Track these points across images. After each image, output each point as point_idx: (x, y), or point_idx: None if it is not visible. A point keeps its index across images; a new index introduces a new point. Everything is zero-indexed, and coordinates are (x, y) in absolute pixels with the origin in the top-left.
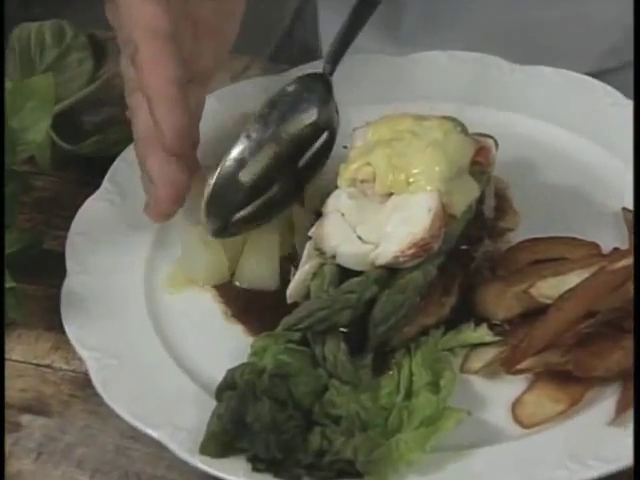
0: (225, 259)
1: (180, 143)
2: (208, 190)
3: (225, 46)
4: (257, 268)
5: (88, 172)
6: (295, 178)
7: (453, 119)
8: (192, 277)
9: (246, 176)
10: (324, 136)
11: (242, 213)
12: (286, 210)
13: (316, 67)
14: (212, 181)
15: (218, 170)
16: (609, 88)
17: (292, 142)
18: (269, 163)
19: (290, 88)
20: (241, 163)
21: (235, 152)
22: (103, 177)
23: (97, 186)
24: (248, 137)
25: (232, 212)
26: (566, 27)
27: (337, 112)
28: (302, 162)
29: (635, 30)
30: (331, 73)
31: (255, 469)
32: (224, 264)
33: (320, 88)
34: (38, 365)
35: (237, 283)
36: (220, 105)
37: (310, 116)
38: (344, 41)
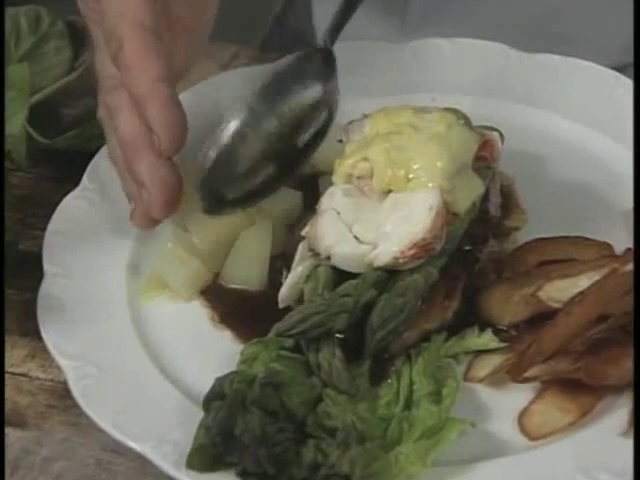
0: (205, 270)
1: (175, 144)
2: (207, 163)
3: (198, 44)
4: (245, 266)
5: (66, 168)
6: (291, 157)
7: (456, 111)
8: (173, 291)
9: (245, 151)
10: (323, 115)
11: (238, 191)
12: (277, 191)
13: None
14: (211, 153)
15: (216, 142)
16: (623, 78)
17: (293, 118)
18: (269, 138)
19: (294, 61)
20: (241, 136)
21: (235, 124)
22: (82, 174)
23: (76, 183)
24: (250, 109)
25: (228, 189)
26: (585, 17)
27: (338, 91)
28: (300, 141)
29: (635, 30)
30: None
31: None
32: (205, 275)
33: (323, 63)
34: (13, 374)
35: (223, 282)
36: (207, 96)
37: (314, 92)
38: (343, 15)
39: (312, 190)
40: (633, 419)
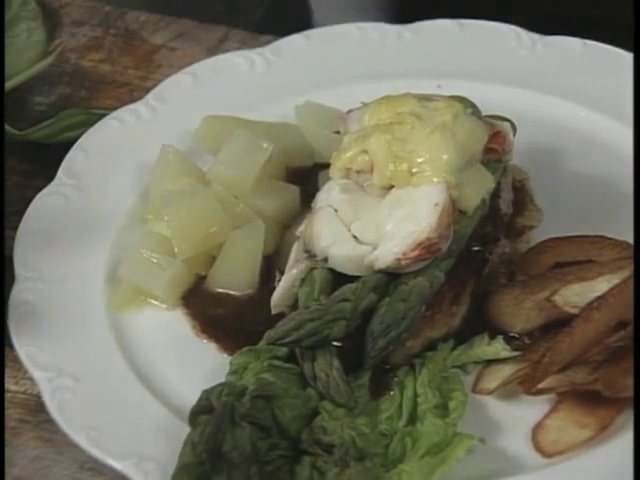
0: (187, 272)
1: None
2: None
3: None
4: (235, 268)
5: (38, 161)
6: None
7: (463, 99)
8: (151, 296)
9: None
10: None
11: None
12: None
13: (307, 37)
14: None
15: None
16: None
17: None
18: None
19: None
20: None
21: None
22: (56, 167)
23: (50, 178)
24: None
25: None
26: None
27: None
28: None
29: (635, 30)
30: None
31: None
32: (187, 277)
33: None
34: None
35: (208, 287)
36: (196, 81)
37: None
38: None
39: (311, 185)
40: (633, 418)
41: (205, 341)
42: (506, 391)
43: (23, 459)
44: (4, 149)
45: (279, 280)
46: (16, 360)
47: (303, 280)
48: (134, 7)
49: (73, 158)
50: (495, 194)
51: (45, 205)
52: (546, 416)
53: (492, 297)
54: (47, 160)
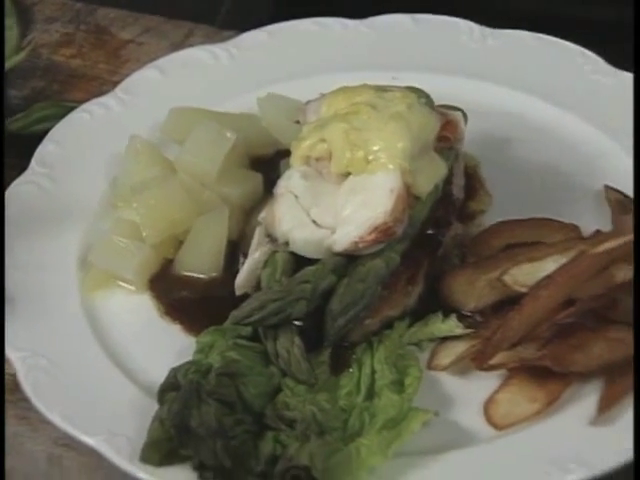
0: (155, 256)
1: None
2: None
3: None
4: (201, 252)
5: (13, 153)
6: None
7: (417, 90)
8: (121, 278)
9: None
10: None
11: None
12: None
13: (269, 32)
14: None
15: None
16: (591, 55)
17: None
18: None
19: None
20: None
21: None
22: (29, 158)
23: (23, 168)
24: None
25: None
26: None
27: None
28: None
29: (635, 31)
30: None
31: (202, 478)
32: (155, 261)
33: None
34: None
35: (175, 270)
36: (162, 75)
37: None
38: None
39: (273, 172)
40: (633, 419)
41: (170, 323)
42: (459, 367)
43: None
44: (3, 149)
45: (243, 263)
46: None
47: (265, 263)
48: (104, 4)
49: (45, 149)
50: (448, 180)
51: (19, 194)
52: (497, 390)
53: (446, 277)
54: (21, 151)
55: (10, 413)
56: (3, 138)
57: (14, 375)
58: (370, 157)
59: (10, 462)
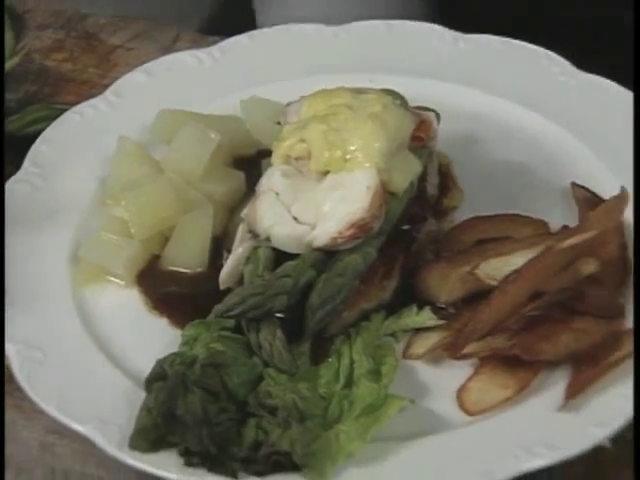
0: (143, 251)
1: None
2: None
3: None
4: (187, 248)
5: (8, 152)
6: None
7: (392, 92)
8: (111, 273)
9: None
10: None
11: None
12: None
13: (251, 38)
14: None
15: None
16: (556, 57)
17: None
18: None
19: None
20: None
21: None
22: (23, 158)
23: (18, 167)
24: None
25: None
26: None
27: None
28: None
29: (635, 32)
30: None
31: (188, 464)
32: (143, 256)
33: None
34: None
35: (162, 266)
36: (150, 78)
37: None
38: None
39: (255, 171)
40: (633, 411)
41: (157, 317)
42: (433, 356)
43: None
44: (3, 148)
45: (226, 258)
46: None
47: (248, 258)
48: (94, 11)
49: (38, 149)
50: (422, 178)
51: (13, 192)
52: (469, 379)
53: (420, 271)
54: (15, 151)
55: (6, 402)
56: (3, 138)
57: (8, 366)
58: (348, 156)
59: (6, 449)
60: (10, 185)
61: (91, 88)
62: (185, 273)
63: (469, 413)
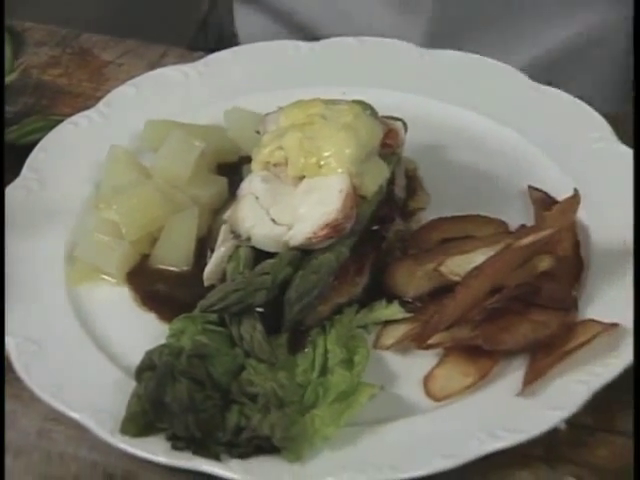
0: (133, 251)
1: None
2: None
3: None
4: (174, 248)
5: (7, 161)
6: None
7: (362, 103)
8: (103, 272)
9: None
10: None
11: None
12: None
13: (233, 53)
14: None
15: None
16: (518, 73)
17: None
18: None
19: None
20: None
21: None
22: (21, 165)
23: (16, 174)
24: None
25: None
26: None
27: None
28: None
29: (635, 34)
30: None
31: (175, 447)
32: (133, 256)
33: None
34: None
35: (151, 264)
36: (139, 91)
37: None
38: None
39: (237, 177)
40: (633, 417)
41: (146, 312)
42: (401, 347)
43: None
44: (3, 148)
45: (210, 257)
46: None
47: (230, 257)
48: (87, 29)
49: (36, 157)
50: (390, 182)
51: (12, 197)
52: (435, 367)
53: (389, 268)
54: (14, 160)
55: (6, 392)
56: (3, 138)
57: (8, 357)
58: (322, 162)
59: (6, 435)
60: (10, 190)
61: (85, 100)
62: (172, 271)
63: (435, 399)
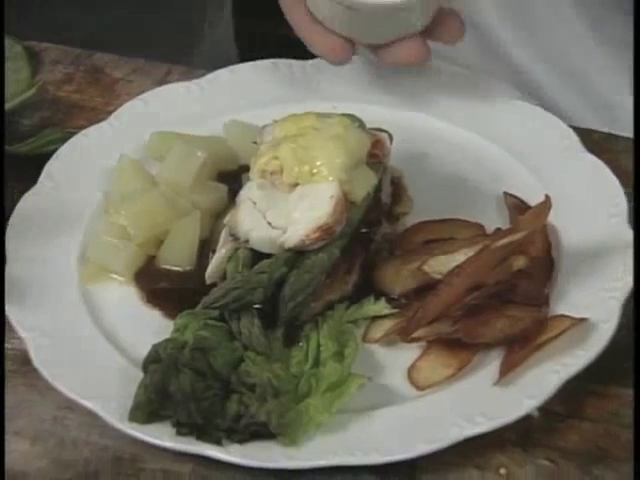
0: (140, 252)
1: None
2: None
3: None
4: (178, 249)
5: (26, 170)
6: None
7: (351, 116)
8: (113, 271)
9: None
10: None
11: None
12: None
13: (232, 71)
14: None
15: None
16: (495, 82)
17: None
18: None
19: None
20: None
21: None
22: (39, 174)
23: (34, 182)
24: None
25: None
26: None
27: None
28: None
29: (635, 34)
30: None
31: (179, 433)
32: (141, 256)
33: None
34: None
35: (158, 264)
36: (146, 106)
37: None
38: None
39: (236, 184)
40: (633, 417)
41: (152, 309)
42: (388, 340)
43: (14, 400)
44: (4, 148)
45: (212, 258)
46: (7, 323)
47: (230, 257)
48: (100, 49)
49: (52, 166)
50: (377, 188)
51: (30, 203)
52: (418, 359)
53: (377, 267)
54: (32, 169)
55: (22, 382)
56: (3, 138)
57: (25, 350)
58: (314, 170)
59: (21, 423)
60: (28, 196)
61: (97, 114)
62: (176, 271)
63: (418, 388)
